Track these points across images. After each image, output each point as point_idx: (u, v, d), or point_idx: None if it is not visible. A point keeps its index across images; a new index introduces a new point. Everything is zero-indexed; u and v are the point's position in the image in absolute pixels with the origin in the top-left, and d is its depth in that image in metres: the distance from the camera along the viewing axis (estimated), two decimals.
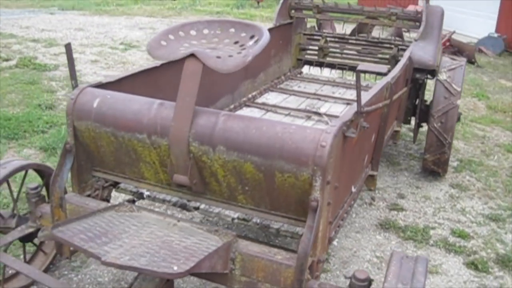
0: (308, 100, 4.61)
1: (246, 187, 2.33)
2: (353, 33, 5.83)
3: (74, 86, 2.58)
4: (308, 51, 5.66)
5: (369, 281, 2.14)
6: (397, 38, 5.71)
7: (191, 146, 2.27)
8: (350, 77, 5.80)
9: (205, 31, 2.55)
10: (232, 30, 2.53)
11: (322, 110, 4.25)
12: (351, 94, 4.85)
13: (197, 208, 2.63)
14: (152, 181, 2.59)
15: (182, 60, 2.29)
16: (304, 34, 5.67)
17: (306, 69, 5.72)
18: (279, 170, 2.17)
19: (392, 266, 2.06)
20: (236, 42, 2.47)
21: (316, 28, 6.04)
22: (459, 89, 4.24)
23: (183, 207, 2.66)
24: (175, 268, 1.93)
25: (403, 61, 3.71)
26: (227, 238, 2.23)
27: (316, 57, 5.58)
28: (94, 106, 2.46)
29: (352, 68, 5.46)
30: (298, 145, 2.13)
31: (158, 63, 3.22)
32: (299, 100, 4.58)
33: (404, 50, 5.32)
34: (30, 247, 3.03)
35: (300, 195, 2.23)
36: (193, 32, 2.54)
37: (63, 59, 8.01)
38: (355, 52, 5.44)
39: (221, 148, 2.23)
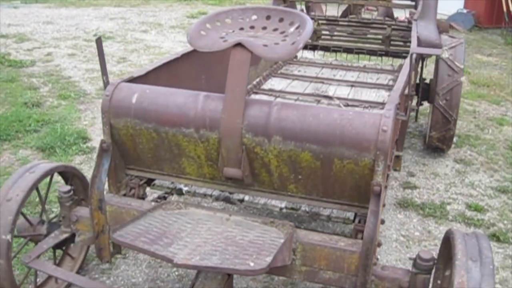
0: (312, 84, 4.57)
1: (299, 175, 2.29)
2: (344, 14, 5.82)
3: (106, 82, 2.47)
4: None
5: (434, 261, 2.15)
6: (387, 18, 5.73)
7: (244, 138, 2.21)
8: (346, 58, 5.80)
9: (240, 19, 2.48)
10: (269, 17, 2.46)
11: (329, 93, 4.24)
12: (352, 76, 4.84)
13: (241, 201, 2.58)
14: (193, 176, 2.52)
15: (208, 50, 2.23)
16: None
17: (299, 53, 5.69)
18: (339, 157, 2.14)
19: (458, 244, 2.06)
20: (275, 29, 2.41)
21: (305, 11, 6.00)
22: (461, 66, 4.29)
23: (227, 200, 2.60)
24: (252, 264, 1.89)
25: (415, 40, 3.72)
26: (287, 229, 2.20)
27: (309, 41, 5.54)
28: (133, 102, 2.36)
29: (347, 50, 5.46)
30: (359, 130, 2.10)
31: (177, 53, 3.14)
32: (304, 85, 4.54)
33: (397, 30, 5.36)
34: (50, 252, 2.90)
35: (356, 181, 2.22)
36: (228, 21, 2.46)
37: (38, 54, 7.74)
38: (347, 34, 5.43)
39: (277, 138, 2.18)
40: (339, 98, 4.06)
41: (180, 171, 2.51)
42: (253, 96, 4.16)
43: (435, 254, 3.12)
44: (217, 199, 2.61)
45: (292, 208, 2.51)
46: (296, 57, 5.57)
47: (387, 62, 5.62)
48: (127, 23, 10.33)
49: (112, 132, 2.44)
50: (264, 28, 2.43)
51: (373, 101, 4.02)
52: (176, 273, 3.03)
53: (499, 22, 10.75)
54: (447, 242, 2.32)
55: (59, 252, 2.83)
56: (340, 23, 5.56)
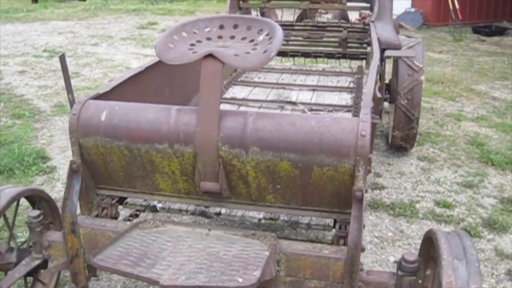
0: (273, 90, 4.55)
1: (277, 185, 2.26)
2: (299, 19, 5.85)
3: (72, 100, 2.37)
4: None
5: (419, 262, 2.15)
6: (342, 21, 5.81)
7: (220, 150, 2.16)
8: (304, 62, 5.82)
9: (207, 29, 2.43)
10: (236, 26, 2.42)
11: (292, 99, 4.23)
12: (312, 80, 4.85)
13: (218, 214, 2.52)
14: (167, 192, 2.45)
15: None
16: None
17: None
18: (318, 164, 2.12)
19: (443, 244, 2.07)
20: (244, 38, 2.38)
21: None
22: (421, 65, 4.38)
23: (203, 214, 2.54)
24: (240, 280, 1.84)
25: (376, 43, 3.76)
26: (269, 240, 2.16)
27: None
28: (103, 120, 2.27)
29: (305, 55, 5.49)
30: (337, 137, 2.09)
31: (141, 67, 3.06)
32: (265, 91, 4.52)
33: (353, 32, 5.43)
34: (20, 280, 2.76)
35: (336, 187, 2.20)
36: (195, 31, 2.41)
37: None
38: (304, 38, 5.46)
39: (255, 149, 2.14)
40: (302, 103, 4.07)
41: (154, 187, 2.44)
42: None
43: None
44: (193, 213, 2.55)
45: (271, 218, 2.47)
46: None
47: (344, 65, 5.69)
48: (77, 37, 10.09)
49: (82, 152, 2.34)
50: (233, 37, 2.39)
51: (337, 105, 4.04)
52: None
53: (446, 20, 11.10)
54: (428, 242, 2.34)
55: (29, 278, 2.69)
56: (296, 27, 5.59)
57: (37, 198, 2.69)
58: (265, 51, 2.19)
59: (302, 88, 4.60)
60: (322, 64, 5.96)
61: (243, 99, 4.27)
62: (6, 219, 2.53)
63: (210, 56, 2.17)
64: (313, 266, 2.15)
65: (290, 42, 5.53)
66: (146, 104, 2.31)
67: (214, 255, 2.03)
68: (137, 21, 11.94)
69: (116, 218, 2.59)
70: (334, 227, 2.42)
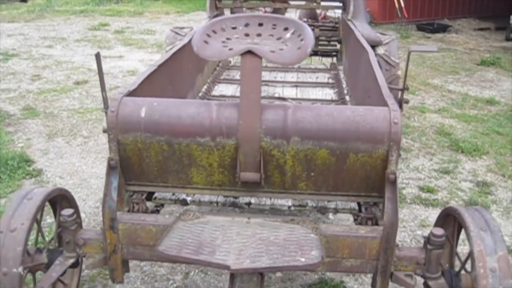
0: None
1: (312, 173, 2.40)
2: None
3: (105, 97, 2.41)
4: None
5: (445, 236, 2.36)
6: (310, 20, 6.02)
7: (262, 142, 2.28)
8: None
9: (234, 27, 2.53)
10: (261, 24, 2.54)
11: (280, 95, 4.38)
12: (292, 77, 5.01)
13: (249, 204, 2.63)
14: (200, 185, 2.53)
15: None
16: None
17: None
18: (354, 151, 2.28)
19: (467, 218, 2.29)
20: (270, 36, 2.50)
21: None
22: (397, 61, 4.63)
23: (234, 205, 2.64)
24: (303, 259, 1.97)
25: (362, 38, 3.97)
26: (310, 224, 2.30)
27: None
28: (143, 116, 2.33)
29: None
30: (372, 125, 2.26)
31: (154, 65, 3.11)
32: None
33: (324, 30, 5.66)
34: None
35: (367, 172, 2.37)
36: (224, 29, 2.51)
37: None
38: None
39: (296, 139, 2.27)
40: (292, 99, 4.23)
41: (187, 181, 2.51)
42: None
43: (406, 235, 3.39)
44: (224, 205, 2.64)
45: (300, 205, 2.61)
46: (230, 62, 5.67)
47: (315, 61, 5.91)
48: (28, 39, 9.78)
49: (119, 149, 2.38)
50: (259, 35, 2.51)
51: (324, 99, 4.23)
52: (174, 285, 3.01)
53: (392, 18, 11.62)
54: (445, 219, 2.56)
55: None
56: None
57: (59, 198, 2.69)
58: (299, 48, 2.33)
59: (285, 85, 4.76)
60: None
61: (232, 96, 4.38)
62: (38, 219, 2.52)
63: (248, 52, 2.28)
64: (351, 246, 2.31)
65: None
66: (183, 100, 2.39)
67: (265, 240, 2.14)
68: (87, 22, 11.70)
69: (147, 212, 2.64)
70: (359, 210, 2.59)
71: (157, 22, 12.17)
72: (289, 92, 4.52)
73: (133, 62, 8.25)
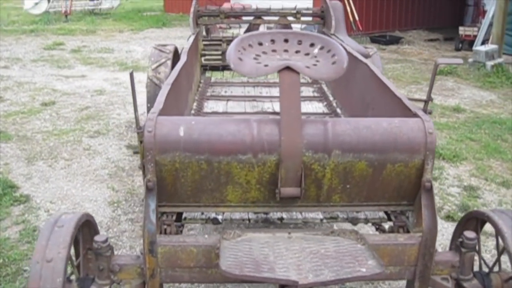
0: (247, 102, 4.71)
1: (347, 185, 2.44)
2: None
3: (137, 118, 2.37)
4: (208, 57, 5.72)
5: (477, 239, 2.45)
6: None
7: (304, 156, 2.30)
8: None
9: (260, 44, 2.55)
10: (286, 40, 2.57)
11: (272, 110, 4.42)
12: (277, 91, 5.07)
13: (281, 219, 2.63)
14: (233, 203, 2.51)
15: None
16: (203, 40, 5.72)
17: (208, 73, 5.77)
18: (392, 161, 2.34)
19: (499, 220, 2.37)
20: (297, 52, 2.54)
21: (204, 34, 6.12)
22: (381, 73, 4.78)
23: (267, 221, 2.63)
24: (364, 270, 2.00)
25: (355, 52, 4.08)
26: (353, 235, 2.33)
27: (220, 62, 5.67)
28: (182, 135, 2.30)
29: None
30: (409, 135, 2.33)
31: (168, 83, 3.07)
32: (240, 104, 4.65)
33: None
34: None
35: (400, 181, 2.43)
36: (252, 45, 2.52)
37: None
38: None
39: (337, 152, 2.30)
40: None
41: (221, 199, 2.49)
42: None
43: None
44: (256, 221, 2.64)
45: (331, 218, 2.64)
46: (211, 79, 5.67)
47: None
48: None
49: (156, 170, 2.34)
50: (286, 50, 2.55)
51: (316, 113, 4.30)
52: None
53: (348, 31, 11.94)
54: (469, 222, 2.66)
55: None
56: None
57: (85, 224, 2.61)
58: (333, 63, 2.38)
59: (272, 100, 4.80)
60: (269, 76, 6.20)
61: (225, 113, 4.38)
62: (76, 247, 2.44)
63: (286, 68, 2.31)
64: (391, 253, 2.36)
65: None
66: (221, 117, 2.38)
67: (317, 254, 2.15)
68: (40, 41, 11.37)
69: (179, 233, 2.59)
70: (389, 219, 2.66)
71: (112, 40, 11.99)
72: (279, 106, 4.56)
73: (98, 81, 8.07)
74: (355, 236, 2.32)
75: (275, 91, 5.04)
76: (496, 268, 2.54)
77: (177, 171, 2.35)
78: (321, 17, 5.44)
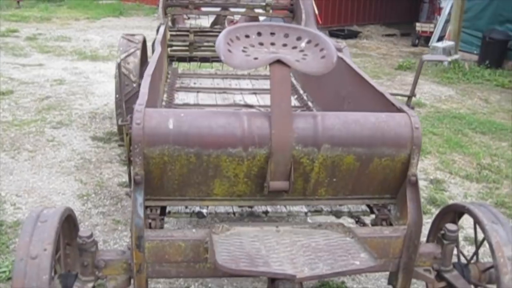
0: (217, 94, 4.67)
1: (334, 179, 2.46)
2: (212, 25, 6.01)
3: (124, 110, 2.31)
4: (175, 48, 5.64)
5: (458, 231, 2.53)
6: None
7: (293, 150, 2.30)
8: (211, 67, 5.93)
9: (247, 36, 2.53)
10: (273, 33, 2.56)
11: (245, 103, 4.40)
12: (246, 84, 5.05)
13: (266, 213, 2.63)
14: (219, 196, 2.49)
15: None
16: (170, 31, 5.63)
17: (175, 64, 5.68)
18: (379, 156, 2.38)
19: (479, 212, 2.47)
20: (284, 45, 2.53)
21: (170, 24, 6.02)
22: None
23: (252, 215, 2.63)
24: (358, 263, 2.02)
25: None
26: (341, 229, 2.36)
27: (187, 53, 5.59)
28: (171, 128, 2.25)
29: None
30: (396, 130, 2.37)
31: (148, 74, 3.00)
32: (211, 96, 4.61)
33: None
34: None
35: (385, 175, 2.47)
36: (239, 38, 2.50)
37: None
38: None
39: (326, 146, 2.32)
40: (261, 106, 4.27)
41: (207, 193, 2.47)
42: None
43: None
44: (241, 215, 2.62)
45: (315, 211, 2.66)
46: (177, 70, 5.58)
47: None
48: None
49: (144, 163, 2.28)
50: (273, 44, 2.53)
51: (293, 106, 4.32)
52: None
53: None
54: (445, 216, 2.74)
55: None
56: (212, 33, 5.71)
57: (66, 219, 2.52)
58: (323, 57, 2.39)
59: (243, 92, 4.78)
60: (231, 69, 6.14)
61: (196, 105, 4.33)
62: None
63: (277, 62, 2.30)
64: (377, 246, 2.40)
65: (202, 48, 5.62)
66: (210, 110, 2.35)
67: (309, 247, 2.17)
68: None
69: (162, 227, 2.55)
70: (371, 212, 2.70)
71: (68, 28, 11.63)
72: (250, 99, 4.55)
73: (57, 71, 7.82)
74: (343, 229, 2.35)
75: (244, 83, 5.04)
76: (474, 260, 2.65)
77: (164, 164, 2.31)
78: (291, 10, 5.45)
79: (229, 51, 2.37)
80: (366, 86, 3.11)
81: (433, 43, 10.43)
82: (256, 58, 2.35)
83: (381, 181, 2.51)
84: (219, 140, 2.27)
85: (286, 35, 2.56)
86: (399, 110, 2.53)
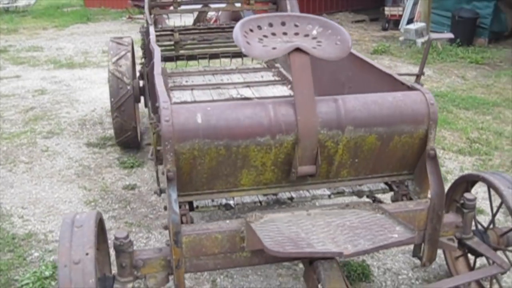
0: (212, 90, 4.70)
1: (356, 159, 2.54)
2: (195, 23, 6.02)
3: (150, 108, 2.33)
4: (161, 48, 5.62)
5: (475, 199, 2.64)
6: (233, 22, 6.13)
7: (319, 134, 2.36)
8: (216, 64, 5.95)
9: (259, 28, 2.58)
10: (284, 23, 2.62)
11: (241, 96, 4.45)
12: (238, 78, 5.08)
13: (291, 199, 2.69)
14: (245, 186, 2.54)
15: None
16: (155, 31, 5.61)
17: (163, 64, 5.67)
18: (399, 133, 2.47)
19: (495, 180, 2.59)
20: (296, 34, 2.59)
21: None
22: None
23: (277, 202, 2.68)
24: (396, 236, 2.11)
25: None
26: (369, 206, 2.44)
27: (173, 52, 5.60)
28: (200, 122, 2.29)
29: (214, 56, 5.67)
30: (413, 107, 2.46)
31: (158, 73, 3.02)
32: (206, 93, 4.64)
33: None
34: None
35: (404, 152, 2.56)
36: (252, 30, 2.54)
37: None
38: (209, 42, 5.63)
39: (350, 128, 2.39)
40: (258, 98, 4.32)
41: (234, 184, 2.51)
42: None
43: None
44: (267, 203, 2.68)
45: (337, 193, 2.73)
46: (165, 69, 5.58)
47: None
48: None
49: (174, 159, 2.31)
50: (285, 33, 2.59)
51: (285, 95, 4.39)
52: None
53: None
54: (458, 186, 2.85)
55: None
56: (196, 31, 5.72)
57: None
58: (337, 43, 2.46)
59: (236, 86, 4.82)
60: (218, 65, 6.15)
61: (195, 102, 4.35)
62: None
63: (296, 50, 2.36)
64: (405, 220, 2.49)
65: (185, 46, 5.62)
66: (235, 102, 2.39)
67: (344, 226, 2.24)
68: None
69: (192, 222, 2.58)
70: (391, 189, 2.79)
71: (38, 38, 11.43)
72: (246, 92, 4.59)
73: (36, 81, 7.70)
74: (371, 207, 2.44)
75: (236, 78, 5.07)
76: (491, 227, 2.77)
77: (194, 159, 2.35)
78: (274, 2, 5.50)
79: (248, 43, 2.41)
80: (369, 69, 3.19)
81: (403, 25, 10.63)
82: (274, 48, 2.41)
83: (400, 158, 2.60)
84: (247, 130, 2.32)
85: (296, 25, 2.62)
86: (411, 89, 2.62)
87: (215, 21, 10.36)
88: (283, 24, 2.62)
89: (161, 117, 2.27)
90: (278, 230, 2.23)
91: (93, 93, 6.98)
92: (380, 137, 2.46)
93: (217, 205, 2.64)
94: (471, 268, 2.99)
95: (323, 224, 2.28)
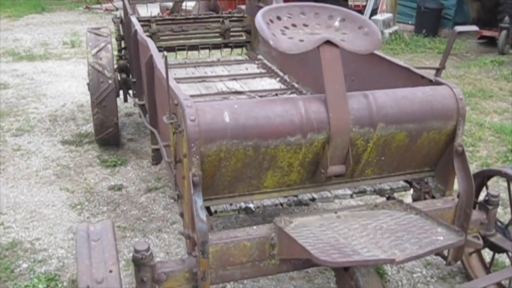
0: (199, 83, 4.50)
1: (382, 157, 2.43)
2: (171, 13, 5.78)
3: (171, 106, 2.14)
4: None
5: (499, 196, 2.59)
6: (210, 12, 5.94)
7: (351, 132, 2.24)
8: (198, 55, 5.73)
9: (279, 19, 2.42)
10: (303, 13, 2.48)
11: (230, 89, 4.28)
12: (222, 70, 4.90)
13: (313, 200, 2.56)
14: (268, 189, 2.39)
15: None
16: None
17: None
18: (428, 130, 2.37)
19: None
20: (318, 24, 2.46)
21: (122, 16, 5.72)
22: None
23: (299, 203, 2.54)
24: (441, 238, 2.01)
25: None
26: (400, 206, 2.34)
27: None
28: (228, 121, 2.10)
29: (192, 48, 5.44)
30: (443, 103, 2.37)
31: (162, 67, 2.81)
32: (193, 86, 4.44)
33: (233, 21, 5.60)
34: None
35: (429, 149, 2.47)
36: (272, 21, 2.38)
37: None
38: (186, 32, 5.41)
39: (381, 125, 2.27)
40: (250, 91, 4.16)
41: (257, 187, 2.36)
42: None
43: None
44: (289, 205, 2.53)
45: (359, 192, 2.62)
46: None
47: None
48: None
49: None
50: (306, 25, 2.45)
51: (274, 89, 4.26)
52: None
53: None
54: (478, 180, 2.80)
55: None
56: (173, 21, 5.48)
57: None
58: (365, 34, 2.33)
59: (222, 79, 4.65)
60: (203, 56, 5.94)
61: (199, 95, 4.15)
62: None
63: (326, 42, 2.21)
64: None
65: (163, 37, 5.38)
66: (264, 98, 2.23)
67: (382, 229, 2.12)
68: None
69: (212, 229, 2.41)
70: (411, 186, 2.70)
71: None
72: (233, 85, 4.43)
73: (5, 76, 7.21)
74: (402, 207, 2.33)
75: (219, 70, 4.90)
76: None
77: (220, 161, 2.17)
78: None
79: (274, 35, 2.25)
80: (378, 62, 3.09)
81: (367, 16, 10.65)
82: (301, 40, 2.26)
83: (424, 155, 2.51)
84: (278, 129, 2.16)
85: (316, 15, 2.48)
86: (434, 83, 2.52)
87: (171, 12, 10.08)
88: (302, 14, 2.48)
89: (185, 116, 2.08)
90: (314, 235, 2.10)
91: (60, 87, 6.62)
92: (410, 134, 2.36)
93: (237, 209, 2.48)
94: (485, 263, 2.96)
95: (358, 227, 2.16)
